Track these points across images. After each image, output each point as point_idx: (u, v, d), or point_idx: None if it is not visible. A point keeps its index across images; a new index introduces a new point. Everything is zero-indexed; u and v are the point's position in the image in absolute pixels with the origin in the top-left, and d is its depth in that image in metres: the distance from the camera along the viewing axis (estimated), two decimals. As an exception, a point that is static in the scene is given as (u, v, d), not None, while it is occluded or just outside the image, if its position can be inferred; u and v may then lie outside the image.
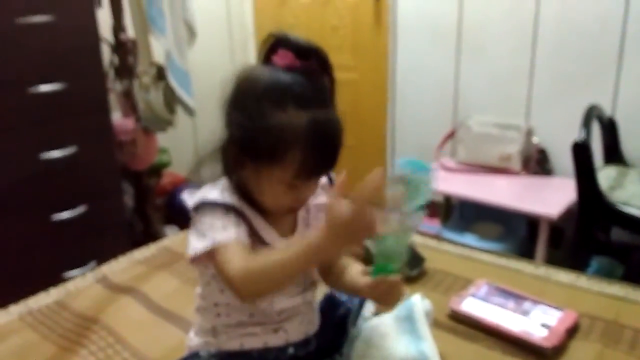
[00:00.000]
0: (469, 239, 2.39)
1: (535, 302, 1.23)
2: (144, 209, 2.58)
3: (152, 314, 1.29)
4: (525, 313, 1.19)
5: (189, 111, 2.58)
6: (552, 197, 2.28)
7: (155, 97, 2.45)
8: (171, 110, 2.51)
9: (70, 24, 2.02)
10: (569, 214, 2.17)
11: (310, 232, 0.90)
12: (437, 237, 1.77)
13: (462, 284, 1.35)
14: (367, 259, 1.17)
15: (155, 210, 2.64)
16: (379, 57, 2.97)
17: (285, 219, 0.93)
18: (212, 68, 2.91)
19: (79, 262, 2.08)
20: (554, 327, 1.13)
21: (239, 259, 0.79)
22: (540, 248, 2.24)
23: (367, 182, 0.71)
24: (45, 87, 1.95)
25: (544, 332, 1.12)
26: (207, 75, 2.69)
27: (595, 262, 1.98)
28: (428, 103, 2.87)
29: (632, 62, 2.26)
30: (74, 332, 1.23)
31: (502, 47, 2.57)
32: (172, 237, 1.74)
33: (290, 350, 0.94)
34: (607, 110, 2.28)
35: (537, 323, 1.15)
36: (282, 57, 0.83)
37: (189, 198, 0.89)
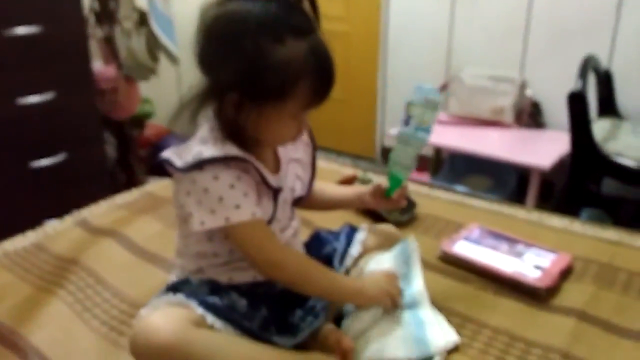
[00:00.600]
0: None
1: (529, 244, 1.20)
2: (127, 160, 2.51)
3: (134, 256, 1.25)
4: (519, 255, 1.16)
5: (173, 59, 2.49)
6: (544, 149, 2.25)
7: (138, 43, 2.35)
8: (154, 57, 2.42)
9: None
10: (560, 166, 2.15)
11: (359, 280, 0.96)
12: (429, 184, 1.73)
13: (453, 228, 1.32)
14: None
15: (139, 161, 2.57)
16: (371, 7, 2.88)
17: (270, 156, 0.91)
18: (196, 15, 2.80)
19: (60, 211, 2.02)
20: (547, 268, 1.11)
21: (261, 241, 0.84)
22: (530, 200, 2.22)
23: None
24: (21, 30, 1.86)
25: (537, 274, 1.09)
26: (192, 22, 2.59)
27: (585, 214, 1.96)
28: (421, 55, 2.80)
29: (629, 13, 2.20)
30: (52, 274, 1.18)
31: (498, -4, 2.49)
32: (155, 183, 1.68)
33: (279, 285, 0.91)
34: (603, 63, 2.22)
35: (531, 265, 1.12)
36: None
37: (176, 158, 0.83)
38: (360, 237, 1.06)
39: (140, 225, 1.39)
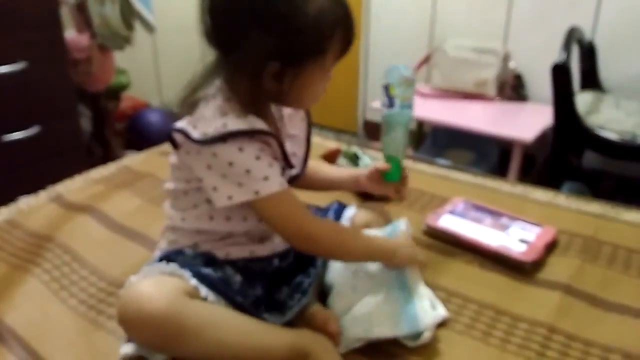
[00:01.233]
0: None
1: (514, 218, 1.19)
2: (103, 134, 2.43)
3: (113, 233, 1.21)
4: (504, 229, 1.16)
5: (149, 27, 2.40)
6: (526, 122, 2.25)
7: (112, 11, 2.26)
8: (129, 26, 2.33)
9: None
10: (542, 139, 2.15)
11: (390, 241, 0.94)
12: (412, 157, 1.71)
13: (438, 203, 1.31)
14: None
15: (115, 135, 2.50)
16: (352, -24, 2.81)
17: (273, 120, 0.90)
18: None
19: (34, 187, 1.95)
20: (532, 242, 1.10)
21: (292, 212, 0.82)
22: (512, 174, 2.23)
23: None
24: (-15, -4, 1.76)
25: (522, 247, 1.09)
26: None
27: (566, 187, 1.97)
28: (404, 26, 2.75)
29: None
30: (27, 251, 1.14)
31: (483, -35, 2.45)
32: (131, 157, 1.63)
33: (275, 262, 0.90)
34: (587, 34, 2.21)
35: (516, 238, 1.12)
36: None
37: (192, 129, 0.79)
38: (349, 213, 1.04)
39: (118, 200, 1.35)
